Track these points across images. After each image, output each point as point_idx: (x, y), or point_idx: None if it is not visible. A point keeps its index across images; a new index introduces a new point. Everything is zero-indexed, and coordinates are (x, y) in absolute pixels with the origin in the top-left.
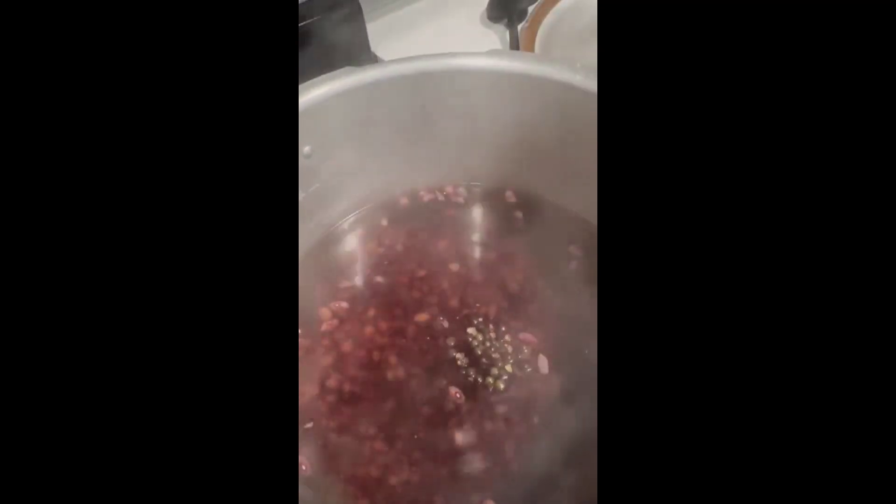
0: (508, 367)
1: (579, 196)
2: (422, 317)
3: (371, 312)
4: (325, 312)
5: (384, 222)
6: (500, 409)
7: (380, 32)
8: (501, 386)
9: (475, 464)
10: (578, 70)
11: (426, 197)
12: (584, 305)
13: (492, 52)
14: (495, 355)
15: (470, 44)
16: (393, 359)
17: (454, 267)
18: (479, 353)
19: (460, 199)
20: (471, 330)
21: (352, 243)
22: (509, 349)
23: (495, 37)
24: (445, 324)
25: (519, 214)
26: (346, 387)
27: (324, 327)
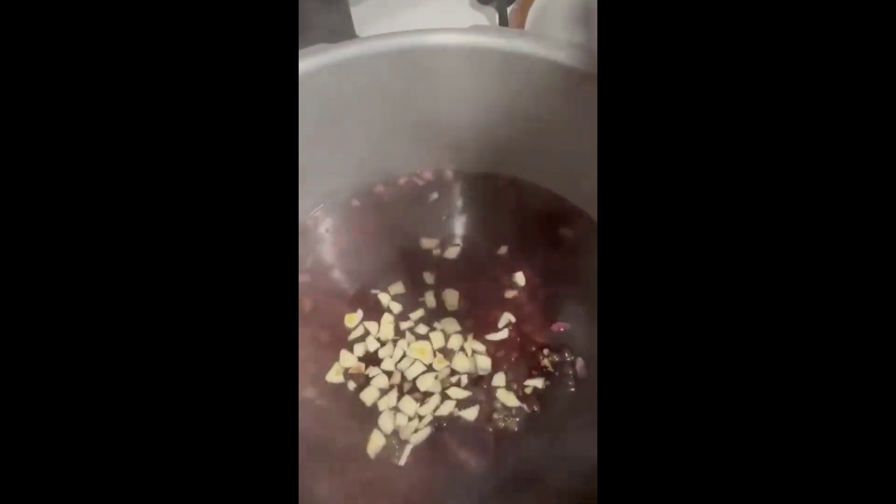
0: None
1: (564, 179)
2: None
3: (347, 301)
4: (303, 301)
5: (360, 209)
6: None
7: (364, 16)
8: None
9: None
10: (563, 46)
11: (403, 181)
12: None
13: (473, 28)
14: None
15: (458, 26)
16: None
17: (437, 253)
18: None
19: (441, 184)
20: None
21: (326, 231)
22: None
23: (485, 19)
24: None
25: (506, 198)
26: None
27: (301, 313)
